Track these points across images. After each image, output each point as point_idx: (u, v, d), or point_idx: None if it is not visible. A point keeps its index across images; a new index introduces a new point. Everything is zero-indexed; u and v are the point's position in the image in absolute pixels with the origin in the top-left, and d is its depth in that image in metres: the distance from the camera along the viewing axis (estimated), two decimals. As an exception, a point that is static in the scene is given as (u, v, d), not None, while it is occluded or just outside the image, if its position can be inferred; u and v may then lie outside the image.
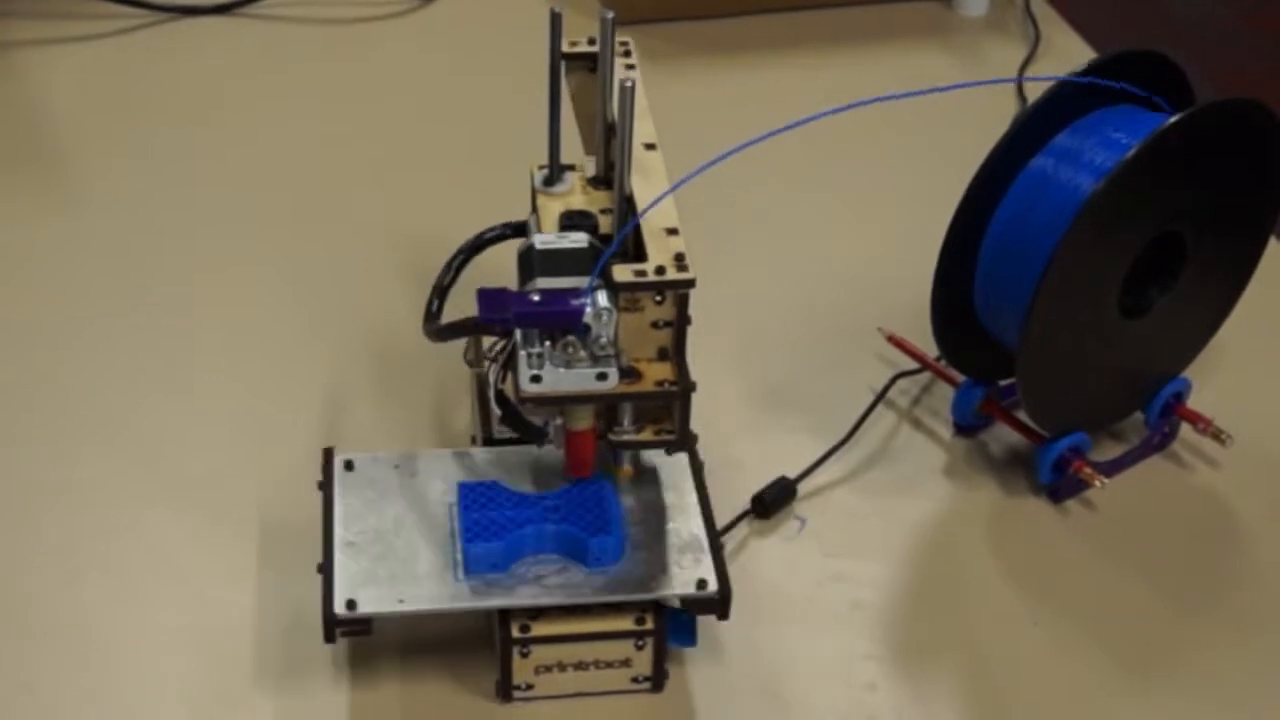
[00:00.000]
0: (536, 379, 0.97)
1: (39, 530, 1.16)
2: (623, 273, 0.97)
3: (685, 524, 1.06)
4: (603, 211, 1.05)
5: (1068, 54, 1.70)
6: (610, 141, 1.06)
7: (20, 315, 1.35)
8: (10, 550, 1.15)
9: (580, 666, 1.04)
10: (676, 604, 1.05)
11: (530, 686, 1.05)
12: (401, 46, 1.73)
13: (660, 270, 0.97)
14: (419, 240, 1.44)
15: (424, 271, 1.39)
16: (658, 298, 0.98)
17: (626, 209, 1.01)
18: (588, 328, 0.96)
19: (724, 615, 1.04)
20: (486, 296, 0.99)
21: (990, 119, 1.13)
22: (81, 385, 1.28)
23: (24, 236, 1.44)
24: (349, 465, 1.10)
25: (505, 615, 1.03)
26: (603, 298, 0.97)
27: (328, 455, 1.10)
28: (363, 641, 1.08)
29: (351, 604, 1.01)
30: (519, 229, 1.11)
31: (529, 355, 0.97)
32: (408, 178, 1.52)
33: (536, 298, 0.97)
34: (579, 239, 1.02)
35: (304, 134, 1.58)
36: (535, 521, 1.04)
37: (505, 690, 1.05)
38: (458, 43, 1.73)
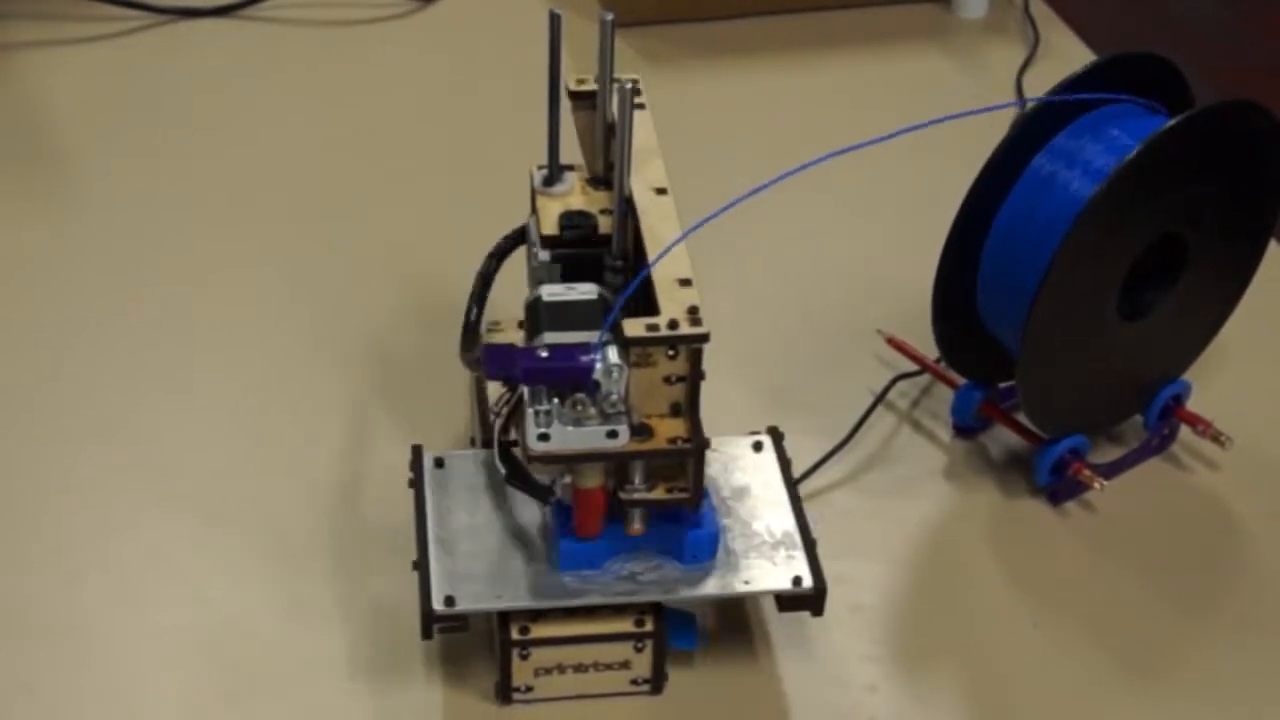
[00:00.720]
0: (544, 437, 0.94)
1: (39, 530, 1.16)
2: (634, 327, 0.93)
3: (777, 520, 1.06)
4: (602, 212, 1.05)
5: (1067, 56, 1.70)
6: (610, 142, 1.06)
7: (20, 315, 1.35)
8: (10, 550, 1.15)
9: (580, 669, 1.04)
10: (772, 600, 1.05)
11: (530, 689, 1.04)
12: (401, 48, 1.72)
13: (673, 324, 0.94)
14: (418, 241, 1.44)
15: (422, 272, 1.40)
16: (670, 352, 0.95)
17: (626, 210, 1.00)
18: (598, 384, 0.93)
19: (819, 612, 1.04)
20: (493, 353, 0.95)
21: (991, 120, 1.13)
22: (81, 385, 1.28)
23: (24, 237, 1.44)
24: (439, 462, 1.09)
25: (505, 617, 1.02)
26: (613, 353, 0.93)
27: (417, 453, 1.09)
28: (364, 644, 1.08)
29: (450, 600, 1.00)
30: (520, 236, 1.10)
31: (537, 413, 0.94)
32: (407, 178, 1.52)
33: (544, 353, 0.93)
34: (587, 290, 0.99)
35: (303, 135, 1.58)
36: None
37: (504, 692, 1.05)
38: (457, 44, 1.73)
